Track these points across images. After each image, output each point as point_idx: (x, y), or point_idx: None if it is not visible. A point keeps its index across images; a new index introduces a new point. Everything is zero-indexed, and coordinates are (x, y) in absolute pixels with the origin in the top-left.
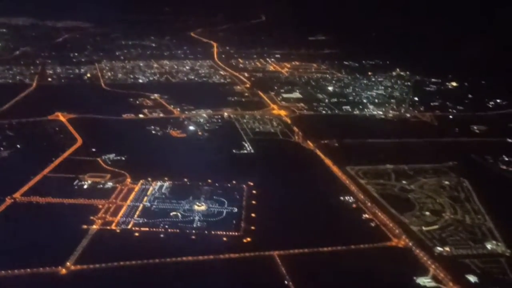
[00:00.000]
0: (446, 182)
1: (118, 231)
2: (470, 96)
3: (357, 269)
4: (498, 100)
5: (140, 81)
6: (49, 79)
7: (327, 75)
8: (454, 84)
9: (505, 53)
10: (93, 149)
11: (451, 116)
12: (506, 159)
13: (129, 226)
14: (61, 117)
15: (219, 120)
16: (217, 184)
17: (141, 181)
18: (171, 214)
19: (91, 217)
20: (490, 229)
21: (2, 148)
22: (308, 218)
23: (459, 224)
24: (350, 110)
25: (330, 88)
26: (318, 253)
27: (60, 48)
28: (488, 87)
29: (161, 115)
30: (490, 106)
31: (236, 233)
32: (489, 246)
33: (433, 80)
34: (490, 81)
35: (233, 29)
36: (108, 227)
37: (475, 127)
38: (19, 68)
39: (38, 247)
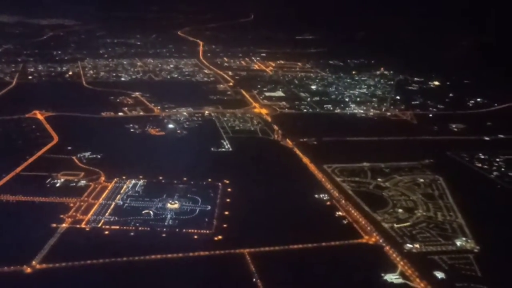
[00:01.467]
0: (421, 180)
1: (87, 229)
2: (451, 95)
3: (326, 266)
4: (479, 99)
5: (123, 79)
6: (30, 77)
7: (311, 74)
8: (436, 83)
9: (487, 52)
10: (69, 147)
11: (430, 115)
12: (482, 156)
13: (99, 225)
14: (39, 115)
15: (200, 119)
16: (192, 182)
17: (115, 179)
18: (143, 212)
19: (62, 216)
20: (460, 226)
21: None
22: (281, 216)
23: (430, 221)
24: (331, 108)
25: (313, 87)
26: (288, 250)
27: (43, 46)
28: (470, 86)
29: (141, 113)
30: (470, 105)
31: (208, 231)
32: (458, 243)
33: (416, 79)
34: (472, 80)
35: (221, 28)
36: (78, 226)
37: (453, 126)
38: (0, 66)
39: (4, 246)
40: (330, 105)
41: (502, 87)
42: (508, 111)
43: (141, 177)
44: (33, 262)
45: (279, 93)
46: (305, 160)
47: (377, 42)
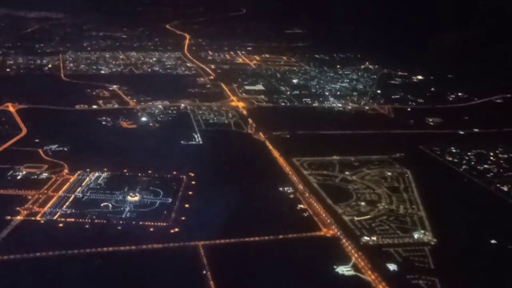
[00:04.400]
0: (389, 173)
1: (42, 222)
2: (432, 89)
3: (280, 259)
4: (460, 94)
5: (102, 72)
6: (7, 70)
7: (295, 68)
8: (420, 77)
9: (474, 47)
10: (36, 140)
11: (409, 109)
12: (454, 150)
13: (55, 217)
14: (11, 107)
15: (174, 112)
16: (156, 175)
17: (78, 172)
18: (102, 205)
19: (18, 208)
20: (421, 218)
21: None
22: (242, 209)
23: (391, 214)
24: (309, 102)
25: (295, 81)
26: (244, 243)
27: (26, 38)
28: (453, 81)
29: (116, 106)
30: (451, 99)
31: (165, 224)
32: (416, 236)
33: (400, 73)
34: (456, 75)
35: (210, 22)
36: (33, 218)
37: (430, 120)
38: None
39: None
40: (309, 99)
41: (485, 82)
42: (487, 105)
43: (105, 169)
44: None
45: (259, 87)
46: (275, 153)
47: (366, 37)
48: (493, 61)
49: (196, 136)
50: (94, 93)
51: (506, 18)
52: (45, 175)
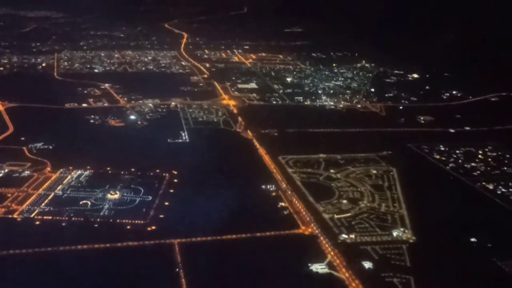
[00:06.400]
0: (374, 171)
1: (18, 219)
2: (427, 87)
3: (254, 257)
4: (454, 92)
5: (96, 71)
6: (1, 68)
7: (290, 66)
8: (415, 75)
9: (473, 46)
10: (22, 138)
11: (401, 107)
12: (442, 148)
13: (32, 215)
14: (0, 105)
15: (164, 110)
16: (139, 173)
17: (60, 170)
18: (81, 202)
19: None
20: (402, 216)
21: None
22: (223, 207)
23: (372, 212)
24: (301, 100)
25: (289, 79)
26: (220, 241)
27: (24, 37)
28: (449, 79)
29: (106, 104)
30: (444, 97)
31: (142, 221)
32: (395, 233)
33: (395, 72)
34: (453, 73)
35: (210, 21)
36: (10, 216)
37: (421, 118)
38: None
39: None
40: (300, 97)
41: (482, 80)
42: (481, 104)
43: (88, 167)
44: None
45: (252, 85)
46: (261, 151)
47: (364, 35)
48: (491, 59)
49: (183, 134)
50: (85, 91)
51: (504, 16)
52: (27, 173)
